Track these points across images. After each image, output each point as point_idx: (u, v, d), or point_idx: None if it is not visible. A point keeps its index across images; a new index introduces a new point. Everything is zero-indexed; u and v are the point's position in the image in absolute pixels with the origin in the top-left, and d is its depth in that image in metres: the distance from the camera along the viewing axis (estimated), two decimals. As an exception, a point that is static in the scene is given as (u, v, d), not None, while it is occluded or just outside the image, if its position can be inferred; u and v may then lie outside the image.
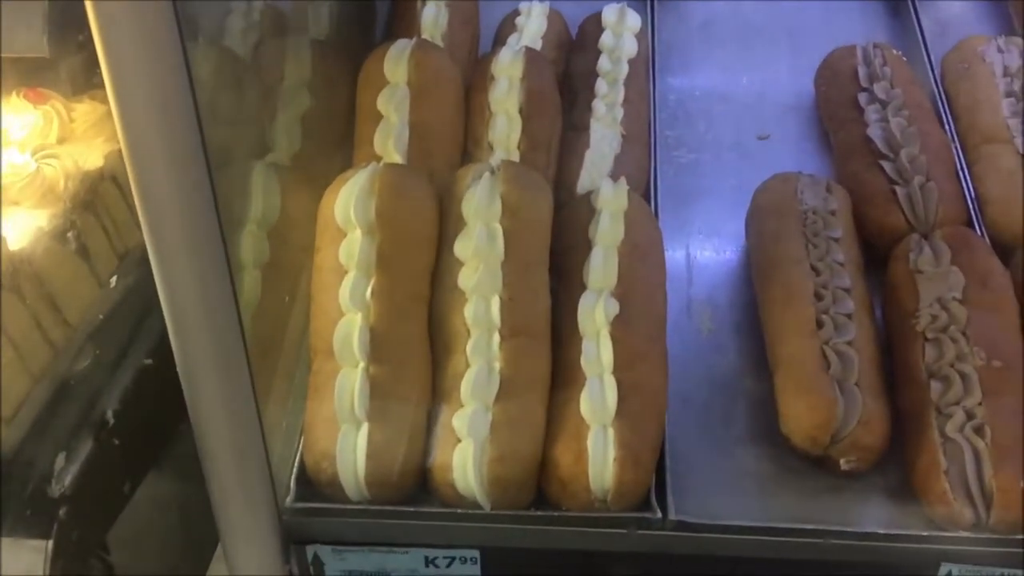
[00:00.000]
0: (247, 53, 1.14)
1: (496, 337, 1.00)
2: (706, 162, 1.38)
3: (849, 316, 1.07)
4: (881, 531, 0.93)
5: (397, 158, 1.17)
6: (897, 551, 0.92)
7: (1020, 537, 0.92)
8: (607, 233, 1.08)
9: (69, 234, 0.96)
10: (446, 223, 1.07)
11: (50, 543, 0.88)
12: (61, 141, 1.07)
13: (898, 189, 1.20)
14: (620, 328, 1.01)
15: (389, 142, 1.17)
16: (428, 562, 0.95)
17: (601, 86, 1.33)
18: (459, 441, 0.96)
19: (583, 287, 1.05)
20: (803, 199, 1.19)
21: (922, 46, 1.45)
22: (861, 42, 1.41)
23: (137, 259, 1.05)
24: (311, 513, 0.95)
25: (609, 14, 1.41)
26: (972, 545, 0.91)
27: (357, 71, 1.27)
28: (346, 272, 1.02)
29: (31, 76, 1.05)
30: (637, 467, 0.95)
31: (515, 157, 1.20)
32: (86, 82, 1.03)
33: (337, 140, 1.31)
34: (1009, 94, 1.31)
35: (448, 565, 0.95)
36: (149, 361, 1.03)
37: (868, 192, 1.22)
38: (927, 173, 1.21)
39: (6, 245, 0.92)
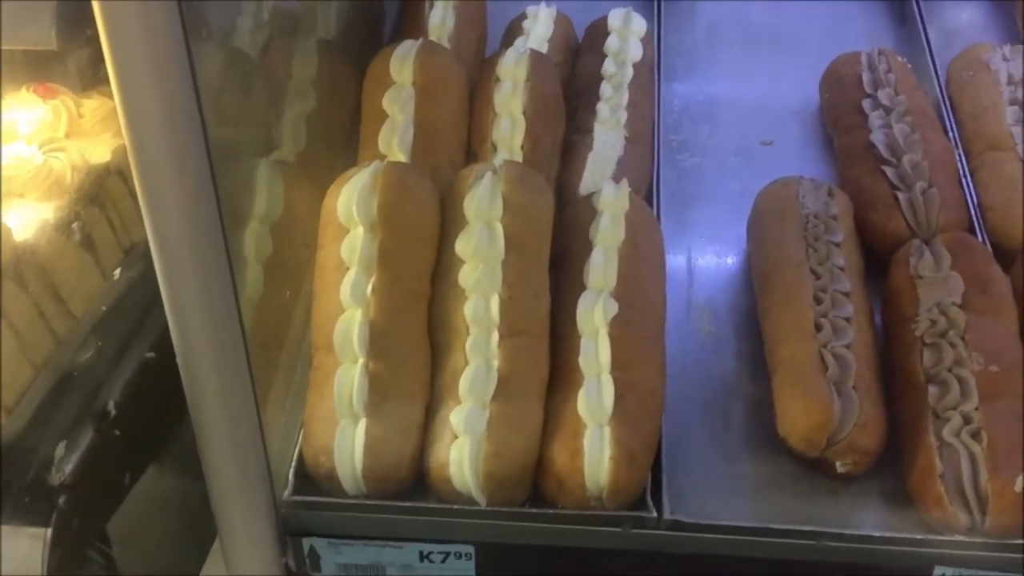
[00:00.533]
0: (255, 52, 1.15)
1: (495, 335, 1.01)
2: (709, 166, 1.39)
3: (848, 320, 1.07)
4: (875, 534, 0.93)
5: (401, 157, 1.18)
6: (891, 554, 0.92)
7: (1015, 542, 0.92)
8: (607, 234, 1.08)
9: (74, 226, 0.97)
10: (448, 222, 1.08)
11: (49, 531, 0.89)
12: (69, 135, 1.09)
13: (900, 195, 1.21)
14: (618, 328, 1.01)
15: (393, 141, 1.18)
16: (423, 557, 0.95)
17: (605, 89, 1.34)
18: (456, 437, 0.97)
19: (583, 287, 1.06)
20: (804, 203, 1.19)
21: (927, 53, 1.45)
22: (867, 49, 1.42)
23: (142, 253, 1.06)
24: (308, 507, 0.96)
25: (615, 18, 1.42)
26: (966, 549, 0.91)
27: (364, 72, 1.28)
28: (347, 269, 1.03)
29: (41, 70, 1.06)
30: (632, 466, 0.95)
31: (518, 158, 1.21)
32: (94, 76, 1.04)
33: (343, 139, 1.32)
34: (1013, 102, 1.31)
35: (443, 560, 0.95)
36: (152, 354, 1.04)
37: (870, 197, 1.23)
38: (929, 179, 1.22)
39: (11, 236, 0.93)
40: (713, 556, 0.95)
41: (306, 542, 0.95)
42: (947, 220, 1.19)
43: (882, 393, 1.05)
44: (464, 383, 0.99)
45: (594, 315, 1.03)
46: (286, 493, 0.97)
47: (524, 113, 1.23)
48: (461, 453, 0.96)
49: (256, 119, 1.15)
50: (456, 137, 1.24)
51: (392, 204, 1.04)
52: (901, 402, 1.04)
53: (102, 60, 0.70)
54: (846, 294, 1.10)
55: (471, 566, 0.95)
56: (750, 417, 1.09)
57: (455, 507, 0.95)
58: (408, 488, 0.99)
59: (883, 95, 1.32)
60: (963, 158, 1.29)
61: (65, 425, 0.95)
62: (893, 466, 1.02)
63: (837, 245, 1.15)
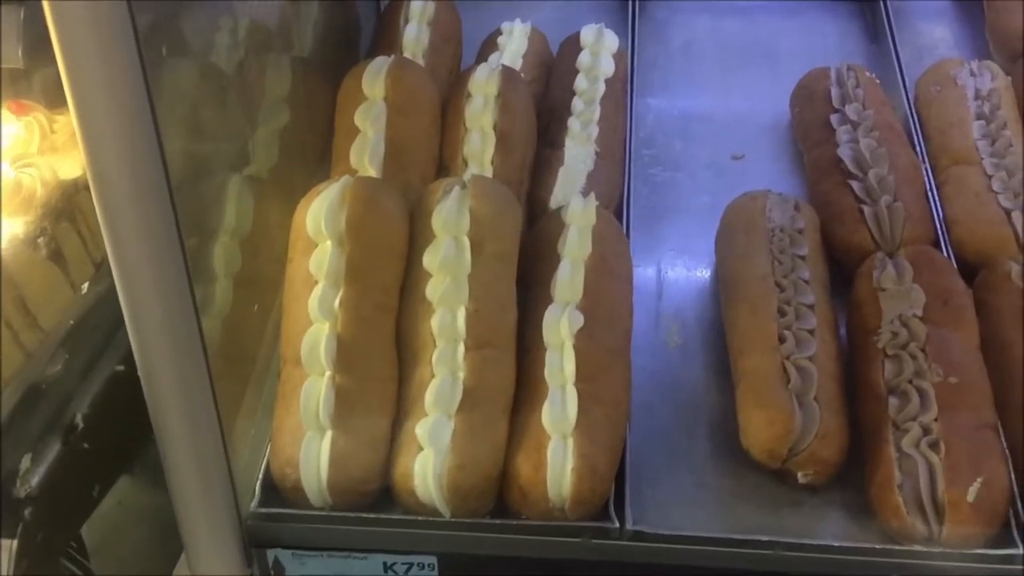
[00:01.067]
0: (230, 68, 1.17)
1: (461, 348, 1.02)
2: (681, 180, 1.41)
3: (811, 332, 1.09)
4: (832, 543, 0.94)
5: (372, 172, 1.19)
6: (848, 563, 0.93)
7: (971, 551, 0.93)
8: (575, 247, 1.10)
9: (42, 240, 0.98)
10: (417, 236, 1.09)
11: (14, 543, 0.89)
12: (42, 151, 1.10)
13: (866, 208, 1.22)
14: (584, 340, 1.03)
15: (365, 156, 1.20)
16: (387, 568, 0.96)
17: (577, 104, 1.35)
18: (421, 449, 0.98)
19: (551, 300, 1.07)
20: (771, 217, 1.20)
21: (897, 69, 1.47)
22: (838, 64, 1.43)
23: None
24: (273, 518, 0.97)
25: (587, 34, 1.44)
26: (923, 559, 0.92)
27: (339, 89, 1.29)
28: (316, 283, 1.04)
29: (14, 87, 1.07)
30: (595, 477, 0.96)
31: (489, 172, 1.22)
32: (62, 93, 1.05)
33: (318, 155, 1.34)
34: (980, 116, 1.33)
35: (407, 571, 0.96)
36: (122, 368, 1.05)
37: (837, 211, 1.24)
38: (895, 193, 1.23)
39: (-20, 250, 0.94)
40: (674, 566, 0.96)
41: (270, 554, 0.96)
42: (912, 233, 1.20)
43: (845, 405, 1.06)
44: (430, 395, 1.00)
45: (560, 327, 1.04)
46: (252, 505, 0.98)
47: (495, 128, 1.24)
48: (425, 465, 0.97)
49: (227, 135, 1.16)
50: (428, 152, 1.25)
51: (360, 218, 1.05)
52: (863, 413, 1.05)
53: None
54: (810, 306, 1.11)
55: (434, 576, 0.96)
56: (715, 428, 1.10)
57: (417, 519, 0.96)
58: (374, 500, 1.00)
59: (851, 110, 1.34)
60: (930, 172, 1.31)
61: (32, 438, 0.95)
62: (857, 477, 1.03)
63: (802, 258, 1.17)
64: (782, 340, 1.07)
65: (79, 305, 1.03)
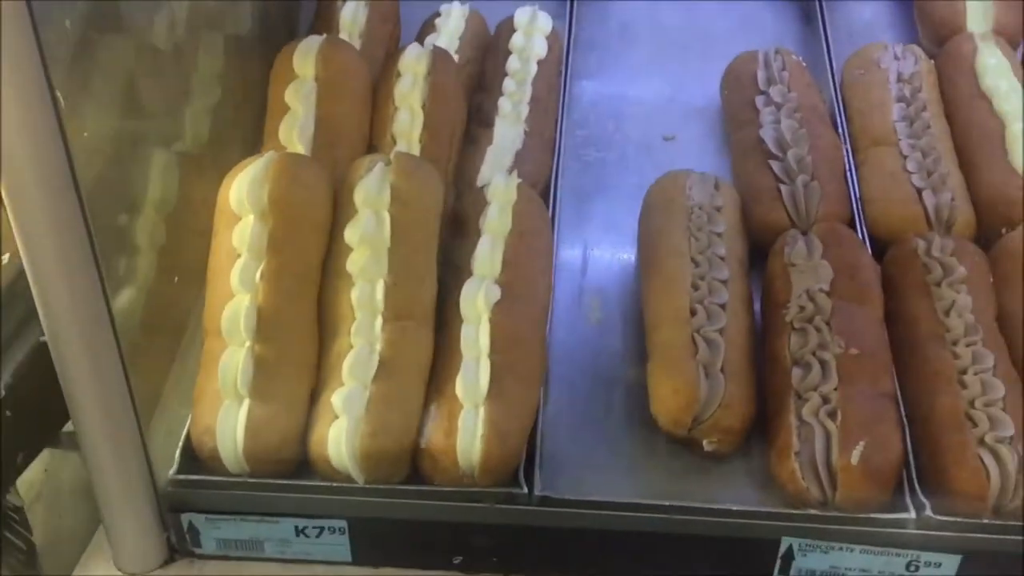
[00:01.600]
0: (162, 44, 1.18)
1: (379, 320, 1.04)
2: (611, 161, 1.43)
3: (723, 306, 1.12)
4: (731, 507, 0.97)
5: (301, 150, 1.21)
6: (744, 527, 0.97)
7: (864, 516, 0.96)
8: (495, 223, 1.12)
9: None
10: (340, 211, 1.11)
11: (-67, 506, 0.91)
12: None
13: (783, 187, 1.25)
14: (500, 313, 1.05)
15: (294, 134, 1.22)
16: (298, 531, 0.99)
17: (508, 85, 1.38)
18: (336, 417, 1.01)
19: (471, 274, 1.10)
20: (691, 195, 1.23)
21: (825, 52, 1.50)
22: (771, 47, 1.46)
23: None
24: (189, 484, 0.99)
25: (521, 16, 1.46)
26: (811, 522, 0.96)
27: (277, 68, 1.31)
28: (239, 255, 1.06)
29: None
30: (504, 445, 0.99)
31: (416, 150, 1.24)
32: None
33: (254, 133, 1.36)
34: (900, 99, 1.36)
35: (318, 535, 0.99)
36: (45, 338, 1.06)
37: (756, 190, 1.27)
38: (813, 173, 1.26)
39: None
40: (580, 530, 0.99)
41: (184, 518, 0.98)
42: (827, 212, 1.23)
43: (752, 376, 1.09)
44: (346, 365, 1.02)
45: (477, 301, 1.06)
46: (171, 472, 1.01)
47: (423, 107, 1.26)
48: (339, 432, 1.00)
49: (156, 110, 1.18)
50: (357, 131, 1.27)
51: (282, 193, 1.07)
52: (769, 384, 1.09)
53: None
54: (724, 281, 1.14)
55: (345, 540, 0.99)
56: (630, 399, 1.13)
57: (326, 484, 0.98)
58: (293, 468, 1.03)
59: (775, 92, 1.37)
60: (851, 153, 1.34)
61: (-49, 404, 0.97)
62: (764, 446, 1.07)
63: (719, 235, 1.20)
64: (693, 313, 1.10)
65: (2, 275, 1.05)
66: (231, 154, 1.29)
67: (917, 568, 0.95)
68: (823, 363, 1.05)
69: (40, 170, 0.79)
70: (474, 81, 1.43)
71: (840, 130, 1.37)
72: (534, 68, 1.41)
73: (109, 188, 1.06)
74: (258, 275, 1.05)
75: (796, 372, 1.05)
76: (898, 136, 1.31)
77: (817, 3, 1.59)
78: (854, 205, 1.27)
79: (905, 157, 1.28)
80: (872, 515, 0.96)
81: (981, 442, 0.97)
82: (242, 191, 1.07)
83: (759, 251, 1.23)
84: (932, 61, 1.44)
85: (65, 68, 1.00)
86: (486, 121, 1.35)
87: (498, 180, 1.17)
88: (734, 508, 0.96)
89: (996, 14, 1.46)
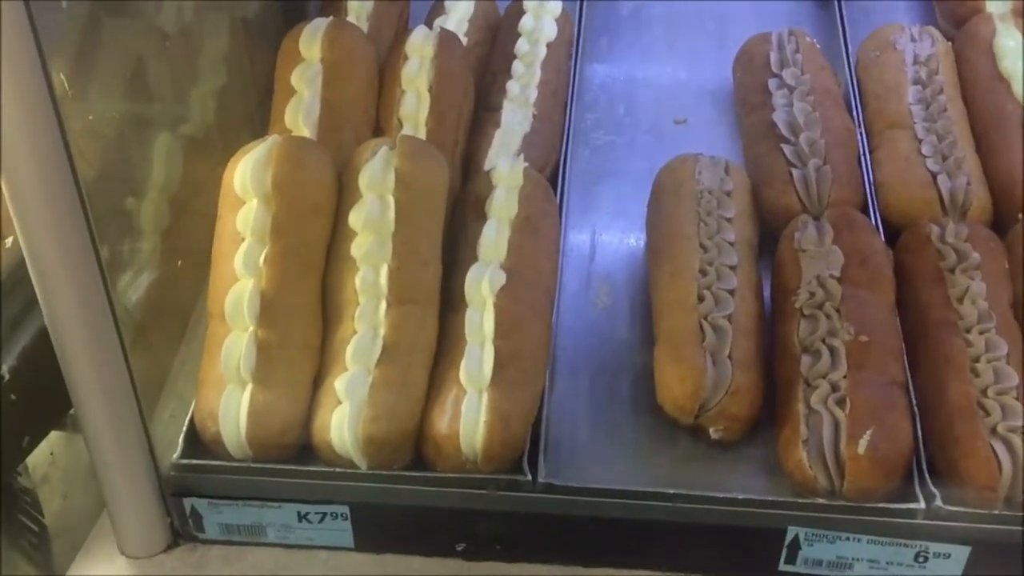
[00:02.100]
0: (168, 27, 1.18)
1: (383, 304, 1.03)
2: (621, 144, 1.42)
3: (731, 292, 1.10)
4: (736, 496, 0.96)
5: (306, 133, 1.20)
6: (749, 515, 0.95)
7: (872, 506, 0.95)
8: (500, 207, 1.11)
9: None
10: (344, 195, 1.11)
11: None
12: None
13: (794, 171, 1.23)
14: (505, 298, 1.04)
15: (299, 117, 1.21)
16: (301, 517, 0.99)
17: (517, 67, 1.36)
18: (340, 403, 1.00)
19: (476, 259, 1.09)
20: (700, 179, 1.22)
21: (841, 34, 1.47)
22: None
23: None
24: (192, 469, 0.99)
25: (530, -2, 1.44)
26: (817, 511, 0.94)
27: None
28: (242, 239, 1.06)
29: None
30: (507, 431, 0.98)
31: (422, 133, 1.23)
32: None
33: (261, 116, 1.35)
34: (916, 81, 1.34)
35: (320, 520, 0.98)
36: (48, 323, 1.06)
37: (767, 174, 1.25)
38: (825, 157, 1.24)
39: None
40: (583, 518, 0.98)
41: (187, 502, 0.98)
42: (839, 196, 1.21)
43: (760, 363, 1.07)
44: (350, 350, 1.02)
45: (482, 286, 1.05)
46: (174, 456, 1.00)
47: (430, 90, 1.25)
48: (342, 417, 0.99)
49: (161, 94, 1.18)
50: (363, 114, 1.26)
51: (286, 177, 1.06)
52: (778, 371, 1.07)
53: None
54: (732, 267, 1.13)
55: (347, 525, 0.98)
56: (637, 386, 1.12)
57: (328, 470, 0.98)
58: (295, 454, 1.02)
59: (788, 74, 1.35)
60: (865, 136, 1.32)
61: (-45, 387, 0.98)
62: (773, 434, 1.05)
63: (729, 220, 1.18)
64: (701, 299, 1.09)
65: (6, 259, 1.05)
66: (238, 137, 1.29)
67: (926, 559, 0.94)
68: (832, 350, 1.03)
69: (37, 154, 0.79)
70: (483, 64, 1.42)
71: (854, 113, 1.34)
72: (543, 51, 1.39)
73: (114, 171, 1.05)
74: (262, 259, 1.04)
75: (805, 359, 1.04)
76: (913, 119, 1.28)
77: (833, -17, 1.57)
78: (868, 189, 1.24)
79: (920, 141, 1.26)
80: (880, 505, 0.95)
81: (993, 431, 0.95)
82: (246, 175, 1.06)
83: (770, 236, 1.21)
84: (949, 43, 1.41)
85: (68, 51, 1.00)
86: (492, 104, 1.33)
87: (503, 164, 1.15)
88: (739, 496, 0.95)
89: (1016, -6, 1.43)
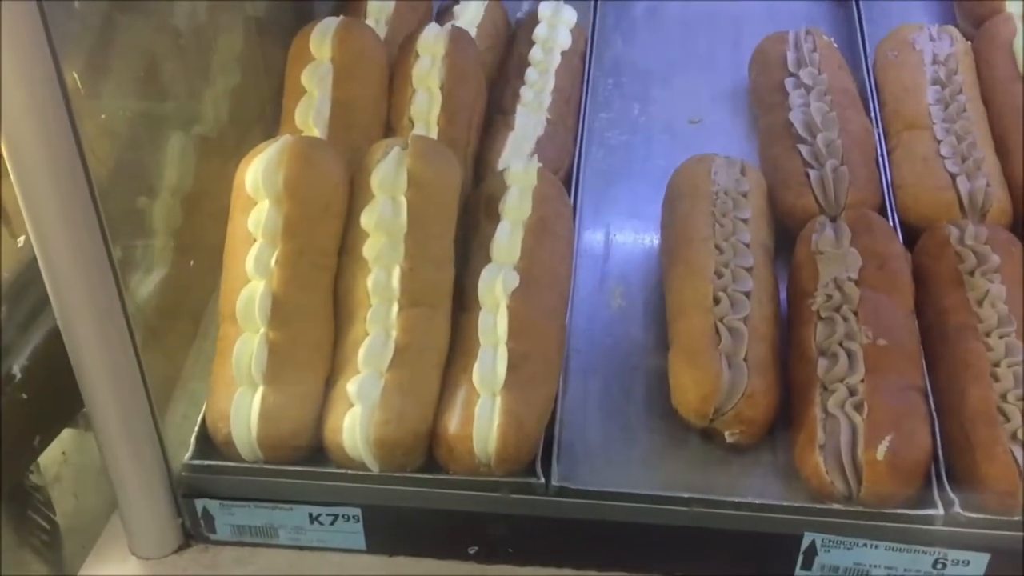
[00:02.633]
0: (182, 26, 1.18)
1: (395, 306, 1.03)
2: (636, 144, 1.41)
3: (747, 294, 1.09)
4: (751, 501, 0.94)
5: (317, 133, 1.19)
6: (764, 520, 0.94)
7: (890, 511, 0.93)
8: (514, 208, 1.10)
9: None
10: (356, 196, 1.10)
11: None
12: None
13: (811, 172, 1.22)
14: (518, 300, 1.03)
15: (309, 117, 1.20)
16: (312, 519, 0.98)
17: (531, 74, 1.36)
18: (352, 405, 0.99)
19: (490, 260, 1.08)
20: (716, 180, 1.20)
21: (859, 33, 1.46)
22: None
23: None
24: (204, 470, 0.98)
25: (545, 8, 1.44)
26: (841, 518, 0.93)
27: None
28: (254, 240, 1.05)
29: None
30: (520, 434, 0.97)
31: (434, 133, 1.22)
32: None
33: (272, 116, 1.35)
34: (935, 82, 1.32)
35: (332, 522, 0.98)
36: (60, 323, 1.06)
37: (784, 175, 1.24)
38: (843, 158, 1.23)
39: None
40: (596, 522, 0.97)
41: (199, 503, 0.98)
42: (857, 198, 1.20)
43: (776, 366, 1.06)
44: (362, 352, 1.01)
45: (495, 287, 1.04)
46: (186, 457, 1.00)
47: (441, 88, 1.24)
48: (354, 420, 0.98)
49: (174, 93, 1.17)
50: (374, 113, 1.25)
51: (297, 177, 1.06)
52: (794, 375, 1.06)
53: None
54: (748, 269, 1.12)
55: (359, 527, 0.98)
56: (651, 388, 1.11)
57: (340, 471, 0.97)
58: (307, 456, 1.02)
59: (805, 74, 1.34)
60: (883, 137, 1.30)
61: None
62: (789, 438, 1.04)
63: (744, 221, 1.17)
64: (717, 301, 1.08)
65: (18, 258, 1.05)
66: (250, 136, 1.29)
67: (944, 566, 0.92)
68: (850, 354, 1.02)
69: (49, 153, 0.78)
70: (494, 69, 1.41)
71: (872, 114, 1.33)
72: (557, 59, 1.38)
73: (127, 170, 1.05)
74: (273, 260, 1.03)
75: (822, 362, 1.02)
76: (932, 120, 1.27)
77: (851, -17, 1.55)
78: (886, 191, 1.23)
79: (939, 141, 1.24)
80: (898, 511, 0.93)
81: (1013, 436, 0.94)
82: (257, 175, 1.06)
83: (786, 238, 1.20)
84: (969, 43, 1.39)
85: (81, 50, 0.99)
86: (507, 109, 1.33)
87: (517, 164, 1.15)
88: (755, 502, 0.94)
89: (1037, -7, 1.42)
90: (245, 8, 1.32)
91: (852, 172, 1.21)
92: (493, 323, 1.03)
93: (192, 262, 1.16)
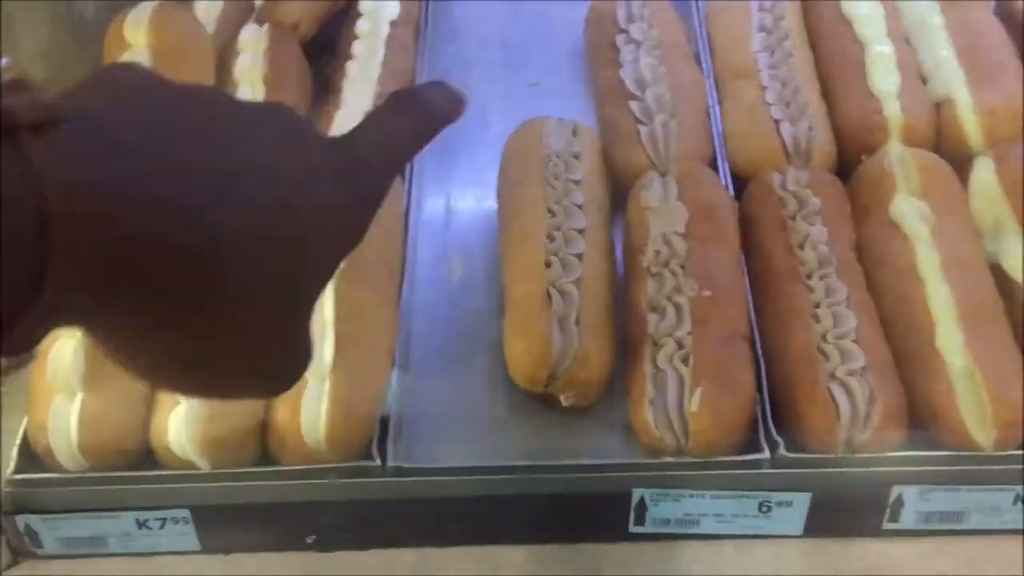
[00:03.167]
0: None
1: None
2: (474, 111, 1.36)
3: (579, 256, 1.08)
4: (564, 463, 0.95)
5: (134, 124, 1.15)
6: (588, 480, 0.94)
7: (719, 459, 0.95)
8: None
9: None
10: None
11: None
12: None
13: (642, 128, 1.22)
14: (344, 281, 1.01)
15: (126, 108, 1.16)
16: (140, 524, 0.95)
17: (357, 47, 1.32)
18: (177, 403, 0.97)
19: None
20: (548, 143, 1.19)
21: (694, -14, 1.45)
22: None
23: None
24: (24, 484, 0.95)
25: (370, -22, 1.40)
26: (661, 470, 0.94)
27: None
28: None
29: None
30: (350, 418, 0.96)
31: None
32: None
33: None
34: (762, 28, 1.33)
35: (161, 526, 0.95)
36: None
37: (616, 132, 1.24)
38: (673, 111, 1.23)
39: None
40: (434, 499, 0.96)
41: (20, 520, 0.94)
42: (687, 151, 1.20)
43: (611, 326, 1.06)
44: (185, 349, 0.98)
45: (322, 270, 1.02)
46: (8, 472, 0.96)
47: (265, 81, 1.22)
48: (179, 419, 0.96)
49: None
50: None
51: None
52: (628, 333, 1.06)
53: None
54: (580, 231, 1.11)
55: (190, 529, 0.96)
56: (492, 359, 1.10)
57: (162, 473, 0.95)
58: (137, 460, 0.99)
59: (635, 30, 1.33)
60: (715, 88, 1.31)
61: None
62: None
63: (577, 183, 1.16)
64: (548, 265, 1.07)
65: None
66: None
67: (769, 508, 0.94)
68: (677, 307, 1.02)
69: None
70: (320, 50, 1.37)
71: (704, 65, 1.33)
72: (386, 29, 1.35)
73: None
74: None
75: (652, 318, 1.03)
76: (759, 67, 1.28)
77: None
78: (717, 142, 1.24)
79: (765, 89, 1.25)
80: (725, 459, 0.95)
81: (832, 376, 0.96)
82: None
83: (624, 196, 1.20)
84: (798, -12, 1.40)
85: None
86: (333, 87, 1.29)
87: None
88: (583, 463, 0.94)
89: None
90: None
91: (682, 125, 1.21)
92: (319, 306, 1.01)
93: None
